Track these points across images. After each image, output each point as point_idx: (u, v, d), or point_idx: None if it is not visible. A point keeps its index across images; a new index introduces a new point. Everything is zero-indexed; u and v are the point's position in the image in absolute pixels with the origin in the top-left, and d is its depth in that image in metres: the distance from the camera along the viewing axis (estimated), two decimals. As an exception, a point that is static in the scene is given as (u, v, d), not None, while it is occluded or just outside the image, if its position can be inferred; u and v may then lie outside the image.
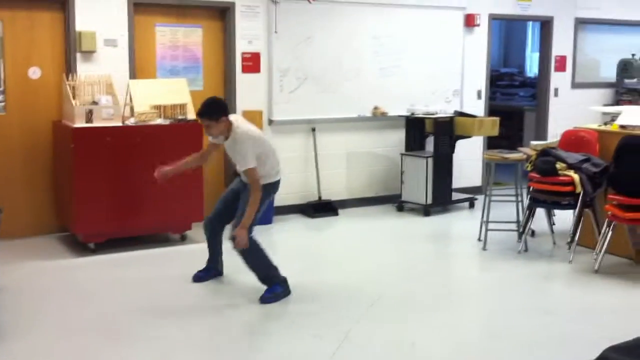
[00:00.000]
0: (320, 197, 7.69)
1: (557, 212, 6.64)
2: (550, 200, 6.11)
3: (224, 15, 7.19)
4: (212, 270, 5.44)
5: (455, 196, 8.02)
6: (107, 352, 4.05)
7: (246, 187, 4.92)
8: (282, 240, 6.85)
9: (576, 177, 5.85)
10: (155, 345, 4.15)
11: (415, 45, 8.20)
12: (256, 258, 4.95)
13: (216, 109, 4.87)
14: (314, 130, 7.69)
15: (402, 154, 7.95)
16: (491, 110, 8.99)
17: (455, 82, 8.58)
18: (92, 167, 5.90)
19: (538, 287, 5.50)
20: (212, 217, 5.29)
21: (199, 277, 5.38)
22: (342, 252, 6.40)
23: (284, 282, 5.02)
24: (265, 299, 4.87)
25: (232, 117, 4.96)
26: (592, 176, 5.82)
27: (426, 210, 7.68)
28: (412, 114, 7.95)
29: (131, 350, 4.08)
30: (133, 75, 6.68)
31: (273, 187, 5.10)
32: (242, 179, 5.07)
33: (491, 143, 8.76)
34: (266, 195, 4.96)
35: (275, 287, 4.95)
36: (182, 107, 6.35)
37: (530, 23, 11.90)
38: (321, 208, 7.59)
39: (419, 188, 7.69)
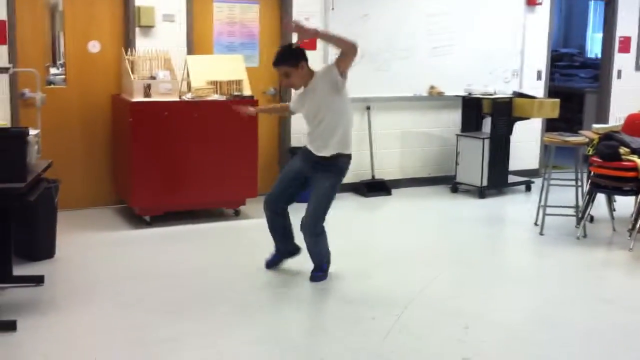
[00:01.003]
0: (373, 176, 7.64)
1: (618, 198, 6.45)
2: (611, 185, 5.95)
3: (282, -8, 7.15)
4: (282, 252, 5.08)
5: (512, 179, 7.88)
6: (162, 327, 4.08)
7: (314, 170, 4.63)
8: (335, 219, 6.78)
9: (640, 162, 5.67)
10: (210, 322, 4.18)
11: (474, 23, 8.03)
12: (322, 245, 4.82)
13: (294, 53, 4.51)
14: (368, 108, 7.62)
15: (457, 135, 7.83)
16: (550, 92, 8.78)
17: (515, 62, 8.39)
18: (149, 141, 5.95)
19: (596, 274, 5.37)
20: (271, 199, 4.91)
21: (270, 262, 5.08)
22: (395, 233, 6.35)
23: (328, 260, 4.96)
24: (316, 278, 4.81)
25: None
26: (657, 162, 5.64)
27: (481, 193, 7.56)
28: (469, 94, 7.81)
29: (186, 326, 4.10)
30: (190, 50, 6.70)
31: (350, 160, 4.72)
32: (307, 156, 4.70)
33: (549, 125, 8.56)
34: (344, 176, 4.74)
35: (323, 266, 4.88)
36: (238, 83, 6.35)
37: (592, 2, 11.56)
38: (374, 187, 7.55)
39: (474, 169, 7.57)
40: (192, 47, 6.74)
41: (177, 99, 6.10)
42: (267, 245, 6.00)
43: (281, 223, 4.93)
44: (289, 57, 4.47)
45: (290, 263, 5.17)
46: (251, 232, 6.21)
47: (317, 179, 4.63)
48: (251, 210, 6.54)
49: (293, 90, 5.07)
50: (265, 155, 7.06)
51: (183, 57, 6.47)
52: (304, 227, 4.67)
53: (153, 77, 6.17)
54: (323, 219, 4.68)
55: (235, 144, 6.23)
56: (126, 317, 4.24)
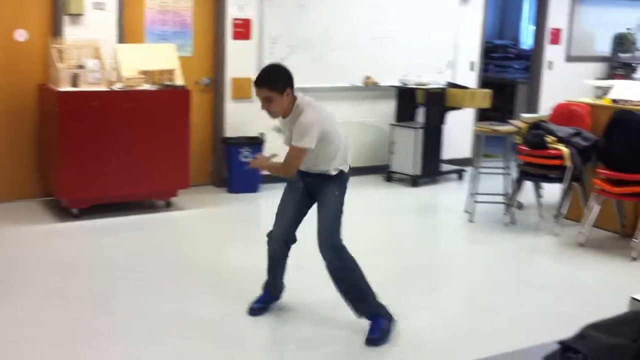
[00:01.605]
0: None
1: (545, 185, 6.61)
2: (538, 173, 6.09)
3: (215, -20, 7.07)
4: (273, 293, 4.29)
5: (444, 168, 7.99)
6: (90, 320, 4.02)
7: (322, 192, 3.91)
8: (269, 209, 6.78)
9: (566, 150, 5.81)
10: (139, 315, 4.12)
11: (409, 15, 8.09)
12: (356, 274, 3.92)
13: (282, 77, 3.76)
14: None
15: (392, 125, 7.89)
16: (484, 83, 8.92)
17: (449, 53, 8.49)
18: (77, 131, 5.82)
19: (524, 260, 5.50)
20: (282, 232, 4.11)
21: (258, 307, 4.23)
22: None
23: (381, 306, 3.93)
24: (374, 340, 3.81)
25: (297, 93, 3.84)
26: (581, 150, 5.79)
27: (414, 181, 7.65)
28: (404, 84, 7.87)
29: (114, 319, 4.05)
30: (121, 39, 6.57)
31: (348, 176, 4.00)
32: (304, 182, 3.98)
33: (483, 115, 8.70)
34: (346, 185, 3.97)
35: (380, 323, 3.87)
36: (170, 72, 6.26)
37: (527, -6, 11.79)
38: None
39: (408, 159, 7.64)
40: (123, 36, 6.61)
41: (106, 89, 5.97)
42: (199, 236, 5.99)
43: (285, 257, 4.20)
44: (276, 81, 3.73)
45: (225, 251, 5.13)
46: (183, 223, 6.15)
47: (320, 193, 3.92)
48: (183, 202, 6.47)
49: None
50: (198, 145, 6.98)
51: (113, 46, 6.34)
52: (323, 249, 3.88)
53: (81, 67, 6.03)
54: (339, 230, 3.94)
55: (166, 135, 6.14)
56: (54, 311, 4.15)
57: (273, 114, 3.82)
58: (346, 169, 3.95)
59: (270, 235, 4.16)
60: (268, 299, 4.27)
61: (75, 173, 5.85)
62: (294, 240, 4.12)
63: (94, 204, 6.02)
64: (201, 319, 4.10)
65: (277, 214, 4.13)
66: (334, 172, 3.88)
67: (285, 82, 3.75)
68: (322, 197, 3.92)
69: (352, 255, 3.90)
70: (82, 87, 5.89)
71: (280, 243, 4.11)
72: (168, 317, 4.10)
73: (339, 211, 3.92)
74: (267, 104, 3.76)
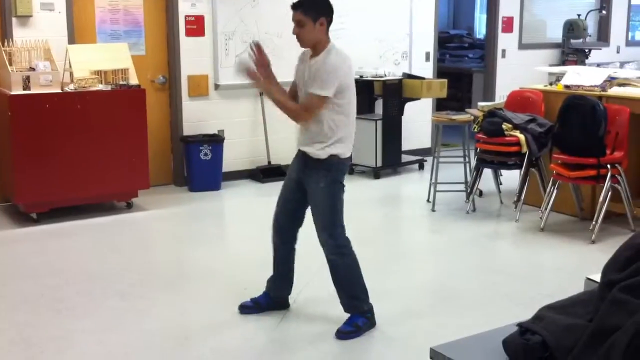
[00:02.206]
0: (269, 162, 7.62)
1: (503, 172, 6.70)
2: (496, 160, 6.17)
3: (166, -23, 6.99)
4: (271, 297, 4.08)
5: (405, 158, 8.04)
6: (48, 325, 3.96)
7: (305, 173, 3.75)
8: (232, 206, 6.80)
9: (522, 137, 5.89)
10: (100, 318, 4.07)
11: (362, 7, 8.10)
12: (354, 270, 3.85)
13: (319, 4, 3.65)
14: (261, 94, 7.57)
15: (351, 117, 7.89)
16: (440, 73, 8.99)
17: (404, 44, 8.53)
18: (31, 135, 5.72)
19: (485, 246, 5.56)
20: (277, 219, 3.96)
21: (249, 305, 4.09)
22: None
23: (369, 311, 3.89)
24: (342, 334, 3.78)
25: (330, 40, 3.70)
26: (537, 136, 5.88)
27: (376, 173, 7.68)
28: (361, 76, 7.88)
29: (75, 324, 3.99)
30: (72, 40, 6.46)
31: (346, 163, 3.77)
32: (298, 158, 3.80)
33: (441, 105, 8.78)
34: (341, 173, 3.75)
35: (356, 319, 3.83)
36: (124, 72, 6.18)
37: (479, -16, 11.90)
38: (271, 172, 7.52)
39: (368, 151, 7.67)
40: (74, 36, 6.50)
41: (59, 91, 5.88)
42: (161, 236, 5.94)
43: (287, 257, 4.00)
44: (312, 5, 3.62)
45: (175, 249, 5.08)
46: (144, 224, 6.09)
47: (309, 183, 3.75)
48: (144, 202, 6.41)
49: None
50: (156, 144, 6.92)
51: (64, 47, 6.23)
52: (323, 243, 3.78)
53: (32, 69, 5.92)
54: (341, 224, 3.77)
55: (123, 135, 6.07)
56: (12, 316, 4.08)
57: (301, 42, 3.68)
58: (342, 154, 3.69)
59: (273, 221, 3.97)
60: (263, 302, 4.07)
61: (32, 177, 5.75)
62: (290, 236, 3.94)
63: (53, 208, 5.93)
64: (164, 319, 4.06)
65: (277, 201, 3.96)
66: (322, 156, 3.65)
67: (321, 10, 3.62)
68: (309, 192, 3.75)
69: (354, 252, 3.81)
70: (34, 90, 5.79)
71: (276, 238, 3.97)
72: (129, 318, 4.05)
73: (329, 205, 3.72)
74: (297, 28, 3.63)
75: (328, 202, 3.73)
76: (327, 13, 3.66)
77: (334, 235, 3.77)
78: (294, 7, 3.64)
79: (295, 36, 3.70)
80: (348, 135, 3.73)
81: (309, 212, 3.87)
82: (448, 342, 1.78)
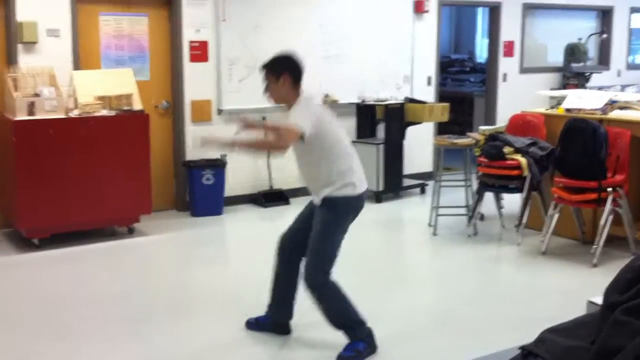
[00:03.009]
0: (271, 186, 7.64)
1: (505, 195, 6.71)
2: (498, 184, 6.18)
3: (170, 3, 7.06)
4: (271, 316, 4.12)
5: (407, 182, 8.06)
6: (50, 350, 3.96)
7: (318, 214, 3.76)
8: (234, 231, 6.81)
9: (523, 160, 5.92)
10: (100, 345, 4.07)
11: (365, 32, 8.18)
12: (335, 303, 3.82)
13: (280, 61, 3.81)
14: (264, 119, 7.62)
15: (353, 141, 7.92)
16: (442, 97, 9.04)
17: (406, 68, 8.59)
18: (35, 160, 5.75)
19: (487, 270, 5.56)
20: (283, 237, 4.02)
21: (253, 321, 4.18)
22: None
23: (369, 335, 3.87)
24: (344, 358, 3.76)
25: (304, 94, 3.80)
26: (538, 159, 5.89)
27: (378, 197, 7.69)
28: (363, 101, 7.95)
29: (77, 351, 3.99)
30: (77, 66, 6.52)
31: (356, 202, 3.78)
32: (313, 201, 3.83)
33: (442, 129, 8.81)
34: (344, 215, 3.77)
35: (356, 344, 3.81)
36: (128, 97, 6.23)
37: (480, 8, 12.00)
38: (272, 197, 7.55)
39: (370, 175, 7.62)
40: (79, 62, 6.56)
41: (64, 116, 5.92)
42: (163, 262, 5.95)
43: (285, 273, 3.99)
44: (273, 65, 3.79)
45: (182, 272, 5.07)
46: (146, 249, 6.10)
47: (314, 217, 3.80)
48: (146, 227, 6.42)
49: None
50: (159, 170, 6.95)
51: (69, 73, 6.29)
52: (305, 285, 3.79)
53: (37, 95, 5.97)
54: (322, 268, 3.74)
55: (126, 160, 6.10)
56: (14, 341, 4.08)
57: (269, 99, 3.85)
58: (354, 192, 3.73)
59: (279, 240, 4.03)
60: (265, 322, 4.12)
61: (35, 202, 5.77)
62: (292, 255, 3.93)
63: (55, 233, 5.94)
64: (164, 346, 4.06)
65: (293, 220, 4.04)
66: (322, 198, 3.71)
67: (283, 67, 3.75)
68: (316, 225, 3.74)
69: (335, 287, 3.77)
70: (39, 116, 5.83)
71: (279, 251, 4.00)
72: (132, 344, 4.05)
73: (324, 244, 3.71)
74: (266, 88, 3.81)
75: (319, 241, 3.72)
76: (289, 69, 3.76)
77: (311, 276, 3.73)
78: (261, 67, 3.86)
79: (268, 95, 3.88)
80: (353, 173, 3.77)
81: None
82: (451, 365, 1.79)
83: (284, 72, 3.74)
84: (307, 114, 3.64)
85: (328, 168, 3.70)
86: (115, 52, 6.84)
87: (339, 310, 3.82)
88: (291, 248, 3.95)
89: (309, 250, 3.75)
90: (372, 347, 3.85)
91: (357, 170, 3.81)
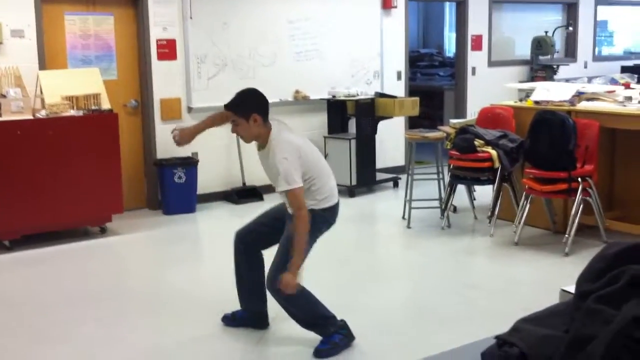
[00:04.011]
0: (244, 183, 7.62)
1: (477, 187, 6.75)
2: (469, 176, 6.22)
3: (136, 2, 6.99)
4: (246, 312, 4.14)
5: (380, 176, 8.09)
6: (24, 354, 3.91)
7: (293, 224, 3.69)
8: (207, 229, 6.78)
9: (494, 153, 5.96)
10: (75, 346, 4.02)
11: (333, 28, 8.18)
12: (301, 302, 3.80)
13: (247, 101, 3.73)
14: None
15: (325, 137, 7.95)
16: (412, 91, 9.08)
17: (375, 64, 8.61)
18: (3, 162, 5.66)
19: (461, 262, 5.60)
20: (242, 231, 4.05)
21: (229, 316, 4.20)
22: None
23: (343, 327, 3.88)
24: (320, 352, 3.76)
25: (274, 123, 3.76)
26: (509, 151, 5.94)
27: (351, 192, 7.71)
28: (333, 96, 7.95)
29: (51, 353, 3.94)
30: (43, 66, 6.43)
31: (330, 212, 3.81)
32: (288, 210, 3.77)
33: (413, 123, 8.85)
34: (321, 224, 3.79)
35: (333, 337, 3.82)
36: (96, 97, 6.16)
37: (447, 3, 12.05)
38: (246, 194, 7.52)
39: (343, 170, 7.69)
40: (45, 63, 6.47)
41: (31, 117, 5.84)
42: (136, 260, 5.90)
43: (246, 267, 4.02)
44: (241, 105, 3.70)
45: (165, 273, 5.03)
46: (119, 248, 6.05)
47: (287, 223, 3.79)
48: (118, 227, 6.36)
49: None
50: (130, 169, 6.89)
51: (35, 73, 6.20)
52: (268, 289, 3.79)
53: (3, 96, 5.88)
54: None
55: (96, 160, 6.04)
56: (-17, 348, 4.01)
57: (242, 138, 3.79)
58: (325, 204, 3.75)
59: (236, 233, 4.04)
60: (242, 316, 4.14)
61: (4, 204, 5.69)
62: (251, 247, 3.96)
63: (26, 234, 5.86)
64: (139, 345, 4.03)
65: (259, 215, 4.06)
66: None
67: (251, 108, 3.67)
68: (285, 228, 3.76)
69: (301, 289, 3.69)
70: (5, 117, 5.75)
71: (237, 242, 4.01)
72: (104, 345, 4.01)
73: (289, 257, 3.63)
74: (234, 127, 3.72)
75: (288, 251, 3.66)
76: (257, 109, 3.70)
77: (276, 282, 3.66)
78: (226, 107, 3.76)
79: (238, 134, 3.82)
80: (329, 189, 3.79)
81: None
82: (427, 357, 1.80)
83: (253, 112, 3.67)
84: (290, 162, 3.60)
85: (306, 189, 3.69)
86: (82, 52, 6.76)
87: (306, 311, 3.83)
88: (248, 240, 3.97)
89: (275, 258, 3.74)
90: (348, 337, 3.86)
91: (333, 186, 3.83)
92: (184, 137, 4.08)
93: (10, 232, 5.81)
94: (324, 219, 3.79)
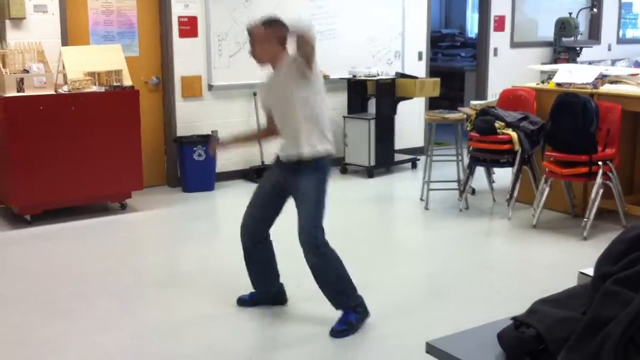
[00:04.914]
0: (263, 162, 7.63)
1: (496, 170, 6.73)
2: (489, 158, 6.20)
3: (158, -21, 7.00)
4: (261, 294, 4.16)
5: (398, 157, 8.07)
6: (43, 326, 3.97)
7: (291, 180, 3.78)
8: (226, 207, 6.81)
9: (514, 135, 5.93)
10: (89, 319, 4.08)
11: (355, 7, 8.14)
12: (335, 268, 3.84)
13: (264, 22, 3.79)
14: (255, 94, 7.60)
15: (344, 117, 7.93)
16: (433, 72, 9.02)
17: (396, 44, 8.56)
18: (25, 137, 5.72)
19: (479, 244, 5.59)
20: (249, 225, 4.00)
21: (245, 298, 4.20)
22: (287, 217, 6.37)
23: (360, 305, 3.90)
24: (336, 332, 3.79)
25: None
26: (529, 134, 5.91)
27: (370, 172, 7.70)
28: (354, 76, 7.92)
29: (68, 326, 4.00)
30: (65, 42, 6.46)
31: (330, 160, 3.88)
32: (280, 166, 3.88)
33: (433, 104, 8.81)
34: (328, 174, 3.83)
35: (349, 317, 3.85)
36: (118, 73, 6.19)
37: (470, -17, 11.95)
38: (264, 172, 7.52)
39: (362, 150, 7.70)
40: (67, 38, 6.50)
41: (53, 92, 5.88)
42: (155, 237, 5.96)
43: (262, 254, 4.05)
44: (256, 25, 3.80)
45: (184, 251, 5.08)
46: (138, 225, 6.11)
47: (297, 188, 3.78)
48: (138, 203, 6.42)
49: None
50: (150, 146, 6.93)
51: (58, 49, 6.24)
52: (303, 244, 3.78)
53: (26, 71, 5.92)
54: (321, 228, 3.78)
55: (117, 136, 6.08)
56: (7, 317, 4.09)
57: (255, 57, 3.81)
58: (326, 151, 3.76)
59: (242, 225, 4.01)
60: (256, 298, 4.16)
61: (26, 179, 5.75)
62: (261, 238, 4.00)
63: (47, 209, 5.93)
64: (158, 319, 4.08)
65: (250, 203, 4.01)
66: (308, 155, 3.70)
67: (281, 26, 3.74)
68: (297, 193, 3.77)
69: (333, 249, 3.81)
70: (28, 92, 5.79)
71: (246, 240, 4.01)
72: (123, 319, 4.07)
73: (317, 207, 3.74)
74: (250, 48, 3.82)
75: (313, 206, 3.75)
76: (270, 27, 3.77)
77: (314, 238, 3.76)
78: (247, 29, 3.89)
79: (253, 54, 3.87)
80: (330, 134, 3.82)
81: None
82: (444, 336, 1.81)
83: (267, 27, 3.75)
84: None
85: (315, 122, 3.73)
86: (104, 28, 6.78)
87: (339, 272, 3.84)
88: (252, 235, 3.98)
89: (304, 217, 3.75)
90: (364, 315, 3.88)
91: (329, 130, 3.85)
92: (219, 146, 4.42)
93: (31, 207, 5.88)
94: (325, 167, 3.82)
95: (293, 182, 3.78)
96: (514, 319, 1.77)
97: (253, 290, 4.18)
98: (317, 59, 3.66)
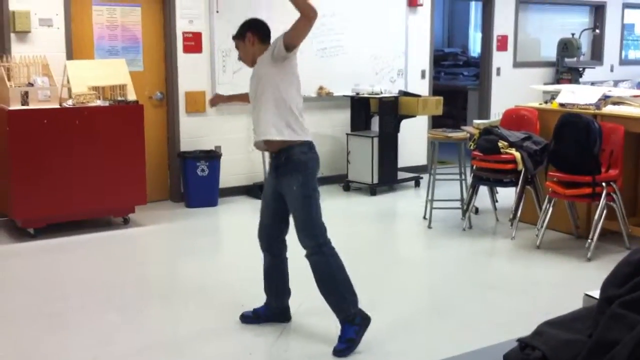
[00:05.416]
0: (266, 178, 7.63)
1: (499, 189, 6.72)
2: (492, 178, 6.19)
3: (164, -6, 7.04)
4: (272, 308, 4.14)
5: (401, 175, 8.07)
6: (45, 341, 3.95)
7: (277, 178, 3.82)
8: (229, 222, 6.81)
9: (518, 155, 5.93)
10: (93, 333, 4.07)
11: (358, 25, 8.18)
12: (337, 270, 3.85)
13: (243, 24, 3.99)
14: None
15: (347, 134, 7.95)
16: (435, 90, 9.05)
17: (400, 62, 8.59)
18: (29, 150, 5.73)
19: (481, 263, 5.58)
20: (266, 235, 4.08)
21: (251, 314, 4.16)
22: (289, 233, 6.36)
23: (357, 315, 3.84)
24: (339, 352, 3.74)
25: None
26: (532, 154, 5.91)
27: (372, 190, 7.70)
28: (357, 94, 7.95)
29: (71, 340, 3.99)
30: (70, 56, 6.50)
31: (314, 154, 3.87)
32: (272, 176, 3.88)
33: (436, 122, 8.82)
34: (305, 175, 3.79)
35: (348, 332, 3.79)
36: (122, 87, 6.21)
37: (473, 2, 12.00)
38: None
39: (365, 168, 7.70)
40: (72, 52, 6.54)
41: (57, 106, 5.90)
42: (158, 252, 5.95)
43: (279, 268, 4.08)
44: (238, 29, 3.98)
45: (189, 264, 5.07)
46: (141, 239, 6.10)
47: (283, 187, 3.81)
48: (141, 218, 6.41)
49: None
50: (153, 160, 6.94)
51: (62, 63, 6.26)
52: (302, 246, 3.83)
53: (31, 84, 5.94)
54: (319, 226, 3.80)
55: (121, 150, 6.09)
56: (9, 330, 4.08)
57: (244, 62, 4.00)
58: (294, 137, 3.77)
59: (259, 236, 4.10)
60: (262, 313, 4.14)
61: (29, 192, 5.76)
62: (279, 249, 4.05)
63: (51, 223, 5.93)
64: (160, 333, 4.06)
65: (260, 212, 4.10)
66: (278, 137, 3.74)
67: (245, 28, 3.95)
68: (286, 196, 3.82)
69: (335, 252, 3.84)
70: (33, 105, 5.81)
71: (263, 250, 4.09)
72: (125, 333, 4.05)
73: (304, 210, 3.77)
74: (239, 54, 4.02)
75: (303, 212, 3.81)
76: (250, 28, 3.98)
77: (313, 238, 3.80)
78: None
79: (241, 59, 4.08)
80: (298, 115, 3.86)
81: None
82: (451, 357, 1.80)
83: (246, 32, 3.93)
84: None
85: (286, 107, 3.78)
86: (109, 43, 6.82)
87: (343, 275, 3.84)
88: (268, 247, 4.07)
89: (296, 222, 3.82)
90: (363, 323, 3.83)
91: (302, 120, 3.87)
92: (216, 99, 4.67)
93: (34, 220, 5.88)
94: (308, 154, 3.82)
95: (279, 183, 3.84)
96: (520, 340, 1.76)
97: (256, 307, 4.17)
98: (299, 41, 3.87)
